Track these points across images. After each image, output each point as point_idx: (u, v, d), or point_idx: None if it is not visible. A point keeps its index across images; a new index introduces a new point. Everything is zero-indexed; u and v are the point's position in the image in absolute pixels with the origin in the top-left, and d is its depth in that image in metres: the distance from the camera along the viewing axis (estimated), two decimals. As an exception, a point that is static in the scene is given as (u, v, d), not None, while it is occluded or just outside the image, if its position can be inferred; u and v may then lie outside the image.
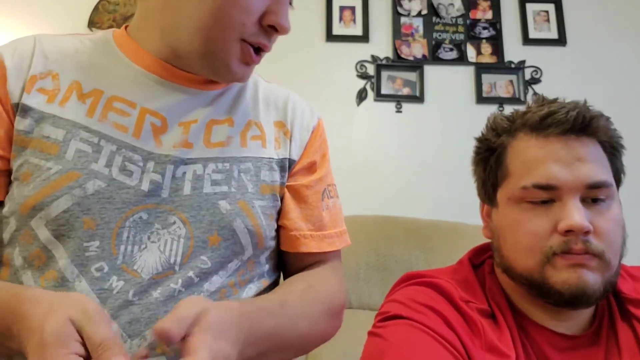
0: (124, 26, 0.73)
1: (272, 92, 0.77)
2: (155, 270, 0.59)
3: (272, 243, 0.71)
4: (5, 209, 0.61)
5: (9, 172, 0.62)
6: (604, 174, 0.64)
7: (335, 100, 2.05)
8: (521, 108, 0.71)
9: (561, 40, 2.10)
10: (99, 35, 0.72)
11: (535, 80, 2.07)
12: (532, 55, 2.09)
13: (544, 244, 0.62)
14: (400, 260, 1.49)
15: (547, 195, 0.63)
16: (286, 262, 0.75)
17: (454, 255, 0.79)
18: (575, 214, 0.60)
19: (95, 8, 2.13)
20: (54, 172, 0.59)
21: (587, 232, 0.61)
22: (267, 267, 0.71)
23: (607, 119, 0.68)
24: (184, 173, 0.64)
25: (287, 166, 0.72)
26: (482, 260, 0.74)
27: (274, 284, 0.74)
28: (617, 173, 0.68)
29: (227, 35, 0.62)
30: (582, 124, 0.65)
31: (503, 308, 0.67)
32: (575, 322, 0.66)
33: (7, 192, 0.62)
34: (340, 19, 2.13)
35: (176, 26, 0.64)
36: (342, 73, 2.09)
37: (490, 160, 0.71)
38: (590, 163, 0.63)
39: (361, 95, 2.08)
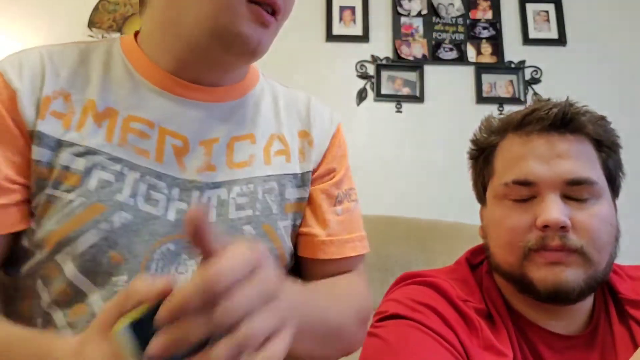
0: (133, 33, 0.69)
1: (293, 99, 0.75)
2: None
3: (291, 261, 0.69)
4: (27, 241, 0.58)
5: (26, 204, 0.59)
6: (587, 171, 0.64)
7: (335, 101, 2.05)
8: (521, 108, 0.71)
9: (561, 40, 2.10)
10: (104, 44, 0.67)
11: (535, 80, 2.07)
12: (532, 55, 2.09)
13: (522, 239, 0.62)
14: (400, 260, 1.49)
15: (528, 192, 0.64)
16: (307, 272, 0.72)
17: (454, 255, 0.79)
18: (552, 209, 0.60)
19: (95, 8, 2.13)
20: (77, 205, 0.56)
21: (563, 228, 0.60)
22: None
23: (602, 117, 0.68)
24: (209, 198, 0.62)
25: (309, 179, 0.70)
26: (480, 260, 0.74)
27: None
28: (611, 173, 0.67)
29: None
30: (563, 120, 0.65)
31: (500, 308, 0.67)
32: (572, 322, 0.66)
33: (24, 224, 0.58)
34: (340, 19, 2.13)
35: (181, 18, 0.61)
36: (342, 73, 2.09)
37: (479, 160, 0.72)
38: (572, 159, 0.63)
39: (361, 95, 2.08)
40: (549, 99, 0.70)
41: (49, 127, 0.58)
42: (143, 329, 0.35)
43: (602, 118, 0.69)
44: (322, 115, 0.75)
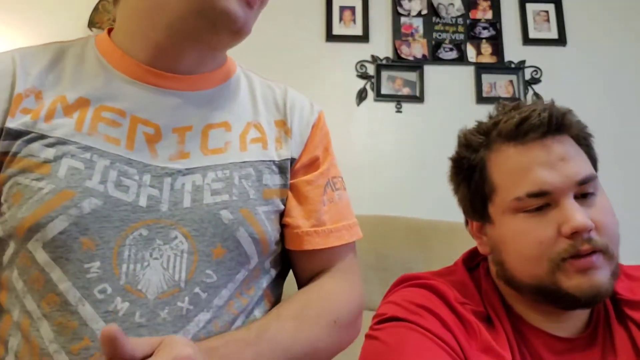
0: (106, 30, 0.70)
1: (270, 90, 0.75)
2: (161, 289, 0.57)
3: (277, 247, 0.69)
4: (1, 233, 0.59)
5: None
6: (588, 167, 0.65)
7: (335, 100, 2.05)
8: None
9: (561, 40, 2.10)
10: (80, 42, 0.69)
11: (535, 80, 2.07)
12: (532, 55, 2.09)
13: (551, 251, 0.61)
14: (400, 261, 1.49)
15: (542, 201, 0.63)
16: (295, 264, 0.73)
17: (454, 255, 0.79)
18: (577, 215, 0.60)
19: (95, 8, 2.13)
20: (46, 192, 0.57)
21: (590, 230, 0.60)
22: (273, 272, 0.69)
23: (570, 111, 0.68)
24: (183, 184, 0.62)
25: (288, 167, 0.70)
26: (476, 262, 0.74)
27: (278, 288, 0.72)
28: (595, 162, 0.68)
29: None
30: (556, 123, 0.65)
31: (498, 310, 0.67)
32: (572, 324, 0.66)
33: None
34: (340, 19, 2.13)
35: (162, 3, 0.62)
36: (342, 73, 2.09)
37: (474, 178, 0.70)
38: (573, 160, 0.64)
39: (361, 95, 2.07)
40: (518, 104, 0.68)
41: (18, 122, 0.59)
42: None
43: (570, 111, 0.68)
44: (302, 105, 0.75)
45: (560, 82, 2.05)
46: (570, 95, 2.14)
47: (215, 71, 0.70)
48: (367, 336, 0.67)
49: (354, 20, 2.13)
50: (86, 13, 2.12)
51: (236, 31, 0.63)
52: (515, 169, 0.65)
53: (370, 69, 2.09)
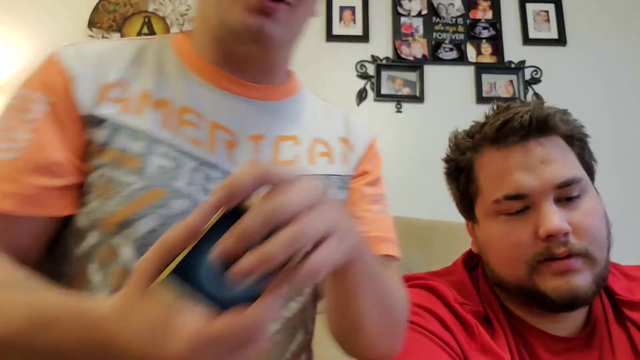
0: (187, 31, 0.70)
1: (332, 110, 0.77)
2: None
3: None
4: (83, 222, 0.57)
5: (79, 186, 0.58)
6: (571, 170, 0.64)
7: (335, 100, 2.03)
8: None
9: (561, 40, 2.10)
10: (158, 41, 0.68)
11: (535, 80, 2.07)
12: (532, 55, 2.09)
13: (527, 253, 0.62)
14: (400, 260, 1.49)
15: (521, 204, 0.63)
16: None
17: (454, 255, 0.79)
18: (553, 217, 0.60)
19: (96, 8, 2.13)
20: (138, 188, 0.56)
21: (566, 234, 0.61)
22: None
23: (565, 112, 0.68)
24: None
25: (349, 182, 0.70)
26: (476, 262, 0.74)
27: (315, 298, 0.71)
28: (587, 164, 0.68)
29: None
30: (537, 125, 0.65)
31: (497, 310, 0.67)
32: (570, 324, 0.66)
33: (76, 206, 0.58)
34: (340, 19, 2.13)
35: (205, 13, 0.63)
36: (342, 73, 2.09)
37: (460, 179, 0.71)
38: (556, 162, 0.64)
39: (361, 95, 2.07)
40: (508, 105, 0.69)
41: (107, 110, 0.59)
42: (188, 273, 0.34)
43: (565, 112, 0.68)
44: (360, 127, 0.77)
45: (560, 82, 2.05)
46: (570, 95, 2.15)
47: (281, 85, 0.71)
48: (367, 336, 0.67)
49: (354, 20, 2.13)
50: (86, 13, 2.12)
51: (257, 40, 0.61)
52: (496, 171, 0.65)
53: (370, 69, 2.09)
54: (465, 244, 0.80)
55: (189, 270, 0.34)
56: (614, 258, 0.68)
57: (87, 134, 0.58)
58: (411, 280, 0.72)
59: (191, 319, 0.34)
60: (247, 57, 0.65)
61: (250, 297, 0.34)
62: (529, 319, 0.66)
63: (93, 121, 0.58)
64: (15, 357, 0.45)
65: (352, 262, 0.46)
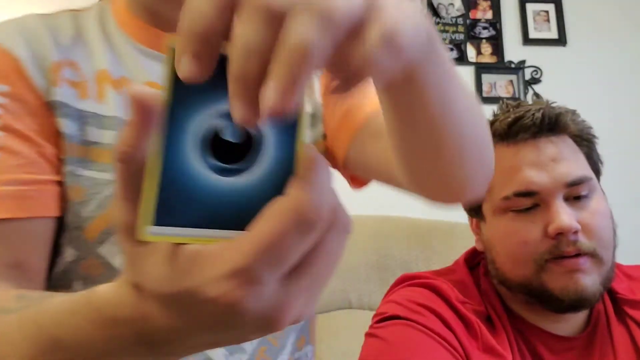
0: None
1: None
2: None
3: None
4: (58, 233, 0.49)
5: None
6: (581, 169, 0.65)
7: (335, 100, 2.05)
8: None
9: (561, 40, 2.10)
10: (94, 10, 0.59)
11: (535, 80, 2.07)
12: (532, 55, 2.09)
13: (535, 252, 0.62)
14: (400, 260, 1.49)
15: (531, 201, 0.63)
16: None
17: (454, 255, 0.79)
18: (562, 215, 0.60)
19: (96, 8, 2.13)
20: None
21: (575, 232, 0.61)
22: None
23: (574, 112, 0.68)
24: None
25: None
26: (477, 261, 0.74)
27: None
28: (595, 164, 0.68)
29: None
30: (549, 124, 0.65)
31: (498, 310, 0.67)
32: (571, 323, 0.66)
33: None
34: (341, 18, 2.13)
35: None
36: (342, 73, 2.09)
37: None
38: (566, 161, 0.64)
39: (361, 95, 2.07)
40: (519, 103, 0.69)
41: (65, 96, 0.50)
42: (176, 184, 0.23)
43: (574, 112, 0.68)
44: None
45: (560, 82, 2.04)
46: (570, 95, 2.14)
47: None
48: (368, 335, 0.67)
49: (354, 20, 2.13)
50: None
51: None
52: (506, 168, 0.65)
53: (371, 69, 2.09)
54: (465, 243, 0.80)
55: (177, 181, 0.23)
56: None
57: (56, 122, 0.50)
58: (412, 280, 0.72)
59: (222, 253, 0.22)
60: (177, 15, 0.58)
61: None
62: (531, 318, 0.66)
63: (56, 108, 0.50)
64: None
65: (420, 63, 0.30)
